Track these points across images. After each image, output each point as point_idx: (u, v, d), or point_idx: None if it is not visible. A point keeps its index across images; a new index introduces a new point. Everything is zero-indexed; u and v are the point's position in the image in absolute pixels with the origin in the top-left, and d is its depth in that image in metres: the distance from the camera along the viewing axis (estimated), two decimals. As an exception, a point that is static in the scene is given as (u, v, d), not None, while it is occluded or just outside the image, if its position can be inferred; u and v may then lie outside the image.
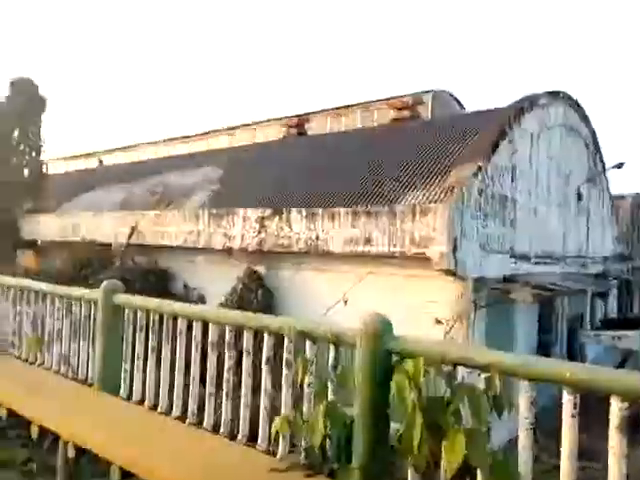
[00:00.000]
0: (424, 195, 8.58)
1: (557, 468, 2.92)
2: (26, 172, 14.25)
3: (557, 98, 10.81)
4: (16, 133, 13.88)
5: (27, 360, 4.95)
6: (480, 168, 8.49)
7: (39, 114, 14.20)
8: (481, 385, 2.12)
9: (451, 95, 14.70)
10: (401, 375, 2.18)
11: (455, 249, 7.71)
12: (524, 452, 2.04)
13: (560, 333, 11.30)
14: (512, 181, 9.52)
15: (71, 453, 3.40)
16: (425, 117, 12.86)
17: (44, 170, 14.78)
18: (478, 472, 2.08)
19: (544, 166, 10.49)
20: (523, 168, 9.73)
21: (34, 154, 14.21)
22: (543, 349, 10.03)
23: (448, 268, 7.55)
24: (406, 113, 12.43)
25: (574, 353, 11.42)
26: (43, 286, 4.93)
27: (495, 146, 8.88)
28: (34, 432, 3.77)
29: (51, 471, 3.89)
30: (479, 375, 2.16)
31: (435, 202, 8.12)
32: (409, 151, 9.76)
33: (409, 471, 2.34)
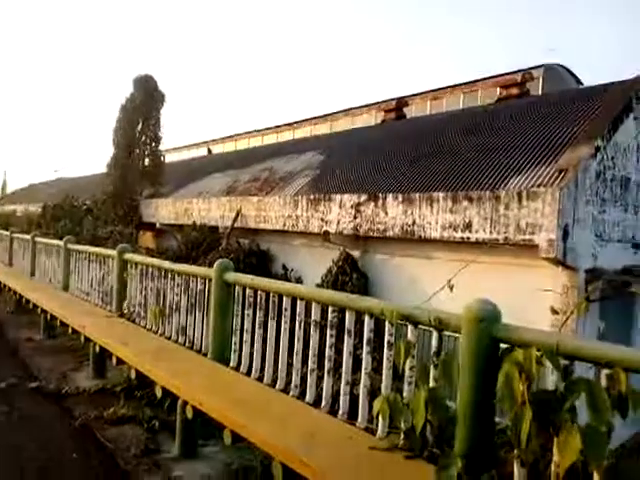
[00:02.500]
0: (532, 178, 8.02)
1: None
2: (147, 161, 15.72)
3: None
4: (139, 126, 15.34)
5: (151, 329, 5.54)
6: (598, 148, 7.73)
7: (159, 108, 15.55)
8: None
9: (566, 69, 13.45)
10: (511, 364, 2.11)
11: (565, 237, 7.15)
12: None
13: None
14: (637, 162, 8.54)
15: (189, 414, 3.77)
16: (536, 94, 11.94)
17: (162, 159, 16.19)
18: (594, 474, 1.96)
19: (677, 145, 9.25)
20: (651, 147, 8.67)
21: (154, 144, 15.62)
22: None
23: (556, 257, 7.04)
24: (514, 91, 11.63)
25: None
26: (165, 264, 5.45)
27: (617, 123, 8.01)
28: (157, 392, 4.23)
29: (171, 429, 4.36)
30: (598, 372, 2.02)
31: (544, 186, 7.57)
32: (516, 131, 9.16)
33: (515, 465, 2.27)
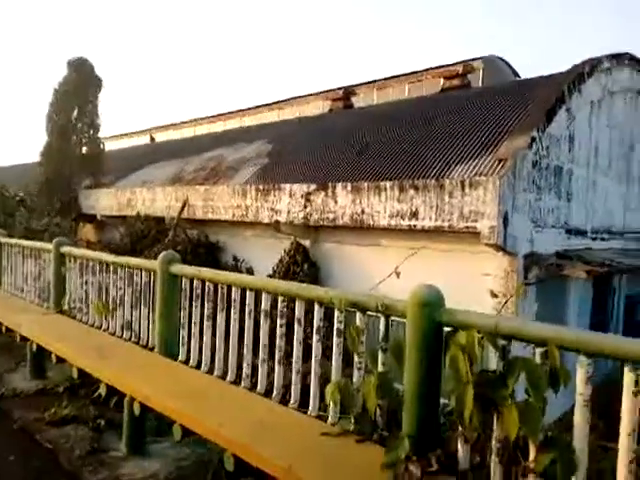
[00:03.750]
0: (474, 168, 8.33)
1: (604, 448, 2.88)
2: (84, 149, 14.91)
3: (622, 61, 10.07)
4: (75, 112, 14.49)
5: (93, 325, 5.32)
6: (534, 139, 8.13)
7: (96, 93, 14.74)
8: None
9: (504, 61, 14.00)
10: (455, 346, 2.20)
11: (506, 224, 7.50)
12: (579, 429, 2.02)
13: (616, 313, 10.84)
14: (569, 151, 9.06)
15: (137, 411, 3.67)
16: (476, 86, 12.35)
17: (101, 147, 15.41)
18: (530, 447, 2.09)
19: (605, 135, 9.89)
20: (581, 138, 9.22)
21: (92, 132, 14.83)
22: (596, 329, 9.66)
23: (497, 243, 7.38)
24: (456, 82, 11.98)
25: (631, 334, 10.91)
26: (107, 256, 5.23)
27: (551, 115, 8.44)
28: (102, 391, 4.08)
29: (118, 427, 4.22)
30: (533, 349, 2.14)
31: (485, 175, 7.88)
32: (458, 122, 9.46)
33: (459, 442, 2.38)
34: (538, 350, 2.12)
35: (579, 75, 8.95)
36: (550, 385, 2.08)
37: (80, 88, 14.34)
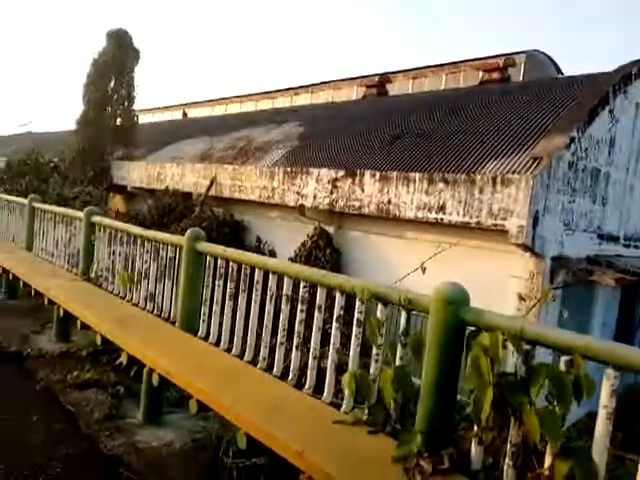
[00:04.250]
0: (507, 165, 8.13)
1: (620, 459, 2.82)
2: (119, 121, 15.11)
3: (674, 64, 9.60)
4: (112, 83, 14.66)
5: (118, 295, 5.44)
6: (573, 139, 7.87)
7: (133, 65, 14.85)
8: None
9: (548, 57, 13.53)
10: (477, 347, 2.17)
11: (535, 224, 7.32)
12: (599, 441, 1.97)
13: (643, 322, 10.53)
14: (609, 154, 8.75)
15: (155, 381, 3.76)
16: (517, 80, 11.99)
17: (135, 119, 15.59)
18: (547, 454, 2.05)
19: (649, 140, 9.51)
20: (623, 141, 8.89)
21: (127, 104, 14.99)
22: (621, 338, 9.43)
23: (525, 243, 7.22)
24: (496, 75, 11.64)
25: (657, 345, 10.61)
26: (135, 229, 5.32)
27: (593, 115, 8.14)
28: (123, 359, 4.19)
29: (136, 395, 4.34)
30: (558, 357, 2.10)
31: (519, 173, 7.69)
32: (494, 117, 9.22)
33: (473, 442, 2.36)
34: (563, 358, 2.08)
35: (625, 76, 8.59)
36: (573, 394, 2.04)
37: (118, 59, 14.47)
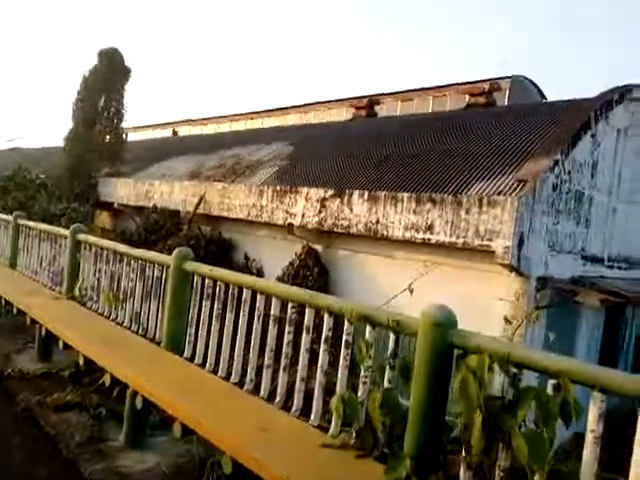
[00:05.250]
0: (493, 186, 8.26)
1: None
2: (107, 138, 15.09)
3: (653, 90, 9.91)
4: (101, 101, 14.68)
5: (103, 314, 5.35)
6: (557, 162, 8.04)
7: (123, 83, 14.91)
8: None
9: (531, 82, 13.90)
10: (466, 369, 2.17)
11: (521, 245, 7.41)
12: (587, 466, 1.97)
13: (627, 344, 10.63)
14: (591, 177, 8.95)
15: (138, 403, 3.68)
16: (502, 105, 12.28)
17: (124, 137, 15.57)
18: (536, 478, 2.04)
19: (630, 164, 9.75)
20: (605, 165, 9.10)
21: (116, 121, 15.00)
22: (605, 359, 9.50)
23: (511, 264, 7.30)
24: (481, 100, 11.91)
25: (640, 368, 10.69)
26: (121, 247, 5.27)
27: (576, 139, 8.35)
28: (106, 380, 4.11)
29: (118, 418, 4.23)
30: (546, 381, 2.10)
31: (505, 194, 7.81)
32: (481, 139, 9.40)
33: (461, 466, 2.34)
34: (550, 381, 2.08)
35: (607, 102, 8.85)
36: (561, 418, 2.04)
37: (109, 77, 14.53)
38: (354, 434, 2.79)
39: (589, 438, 1.99)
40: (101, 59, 14.69)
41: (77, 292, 5.91)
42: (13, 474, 3.48)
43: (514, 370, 2.20)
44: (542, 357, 2.16)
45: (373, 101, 14.16)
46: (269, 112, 18.46)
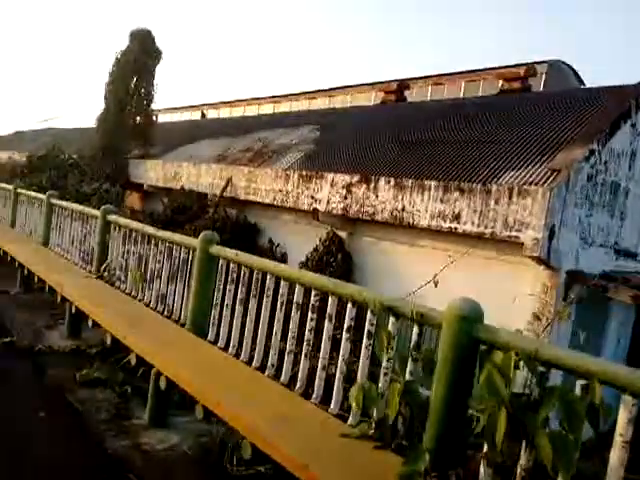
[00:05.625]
0: (525, 176, 8.02)
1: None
2: (138, 119, 15.27)
3: (700, 79, 9.38)
4: (133, 82, 14.82)
5: (130, 294, 5.47)
6: (593, 152, 7.74)
7: (154, 65, 14.99)
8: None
9: (569, 67, 13.36)
10: (491, 366, 2.12)
11: (551, 237, 7.20)
12: (614, 471, 1.91)
13: (660, 342, 10.28)
14: (629, 169, 8.59)
15: (162, 384, 3.76)
16: (537, 90, 11.85)
17: (154, 118, 15.74)
18: (559, 477, 1.99)
19: (671, 156, 9.30)
20: (645, 156, 8.71)
21: (146, 103, 15.14)
22: (634, 358, 9.21)
23: (540, 256, 7.11)
24: (516, 85, 11.51)
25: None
26: (149, 229, 5.35)
27: (614, 128, 8.00)
28: (132, 359, 4.20)
29: (143, 396, 4.34)
30: (573, 381, 2.04)
31: (536, 184, 7.58)
32: (514, 126, 9.11)
33: (482, 463, 2.30)
34: (579, 382, 2.02)
35: (650, 89, 8.42)
36: (588, 420, 1.98)
37: (140, 59, 14.63)
38: (373, 425, 2.78)
39: (617, 442, 1.92)
40: (133, 40, 14.79)
41: (106, 272, 6.04)
42: (39, 447, 3.62)
43: (541, 369, 2.14)
44: (571, 356, 2.08)
45: (402, 85, 13.87)
46: (297, 96, 18.33)
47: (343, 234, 9.88)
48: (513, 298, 7.01)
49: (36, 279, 6.68)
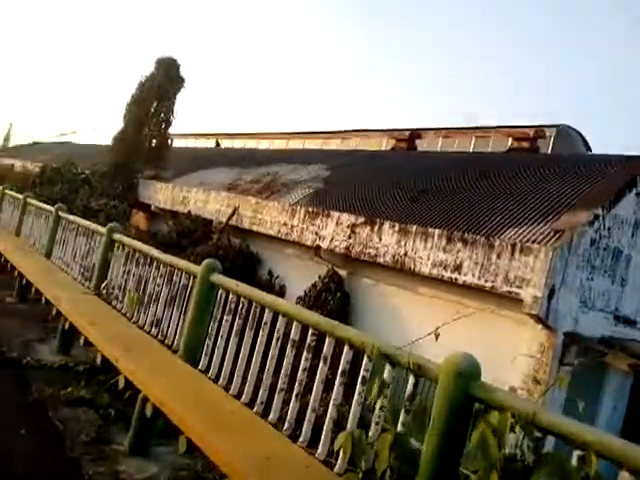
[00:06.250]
0: (528, 234, 8.08)
1: None
2: (154, 142, 15.60)
3: None
4: (153, 106, 15.23)
5: (125, 314, 5.43)
6: (597, 216, 7.83)
7: (176, 92, 15.48)
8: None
9: (577, 132, 13.70)
10: (485, 426, 2.08)
11: (551, 296, 7.18)
12: None
13: (656, 414, 10.05)
14: (632, 237, 8.66)
15: (148, 411, 3.68)
16: (545, 152, 12.11)
17: (169, 143, 16.08)
18: None
19: (674, 227, 9.38)
20: (648, 225, 8.79)
21: (164, 127, 15.52)
22: (630, 427, 8.98)
23: (538, 315, 7.07)
24: (525, 144, 11.78)
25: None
26: (153, 251, 5.36)
27: (620, 196, 8.12)
28: (121, 382, 4.13)
29: (126, 421, 4.25)
30: (570, 450, 2.00)
31: (539, 243, 7.63)
32: (520, 184, 9.25)
33: (471, 527, 2.23)
34: (576, 452, 1.98)
35: (657, 161, 8.60)
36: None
37: (163, 85, 15.11)
38: (361, 475, 2.70)
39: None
40: (158, 67, 15.30)
41: (104, 290, 6.02)
42: (16, 464, 3.51)
43: (537, 434, 2.10)
44: (569, 425, 2.05)
45: (414, 134, 14.21)
46: (311, 134, 18.75)
47: (343, 273, 9.87)
48: (510, 354, 6.93)
49: (33, 290, 6.65)
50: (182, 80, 15.54)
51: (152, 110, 15.25)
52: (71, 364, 5.40)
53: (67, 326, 5.40)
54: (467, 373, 2.37)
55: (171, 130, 16.05)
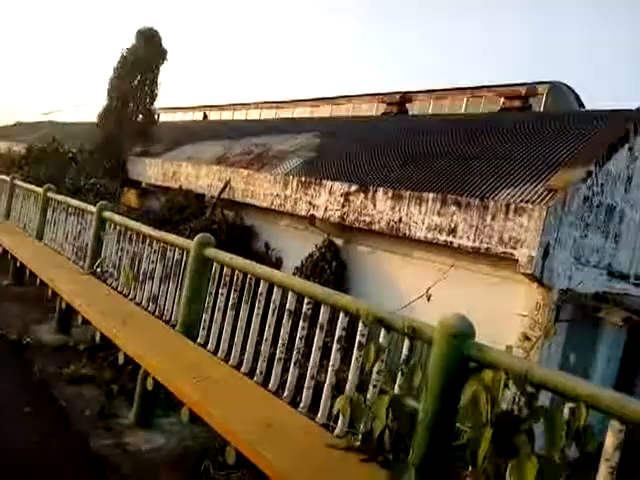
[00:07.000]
0: (522, 193, 8.07)
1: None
2: (140, 117, 15.25)
3: (699, 106, 9.50)
4: (137, 79, 14.82)
5: (122, 292, 5.44)
6: (590, 173, 7.80)
7: (159, 64, 15.02)
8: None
9: (570, 89, 13.49)
10: (478, 384, 2.12)
11: (545, 255, 7.24)
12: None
13: (648, 366, 10.31)
14: (625, 192, 8.66)
15: (149, 385, 3.73)
16: (537, 110, 11.96)
17: (156, 117, 15.74)
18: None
19: (667, 181, 9.39)
20: (641, 180, 8.79)
21: (149, 101, 15.14)
22: (624, 380, 9.23)
23: (533, 274, 7.14)
24: (517, 103, 11.62)
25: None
26: (144, 228, 5.32)
27: (612, 151, 8.07)
28: (120, 358, 4.17)
29: (129, 395, 4.31)
30: (563, 404, 2.04)
31: (533, 202, 7.63)
32: (513, 144, 9.18)
33: (467, 480, 2.30)
34: (568, 405, 2.02)
35: (649, 114, 8.52)
36: (575, 443, 1.98)
37: (145, 57, 14.65)
38: (360, 437, 2.77)
39: (603, 468, 1.92)
40: (139, 39, 14.81)
41: (99, 269, 6.01)
42: (22, 443, 3.57)
43: (531, 390, 2.14)
44: (561, 379, 2.09)
45: (405, 98, 13.96)
46: (300, 102, 18.39)
47: (339, 241, 9.89)
48: (506, 314, 7.03)
49: (28, 273, 6.63)
50: (165, 51, 15.07)
51: (136, 84, 14.82)
52: (71, 343, 5.44)
53: (64, 306, 5.41)
54: (461, 333, 2.39)
55: (157, 104, 15.70)
